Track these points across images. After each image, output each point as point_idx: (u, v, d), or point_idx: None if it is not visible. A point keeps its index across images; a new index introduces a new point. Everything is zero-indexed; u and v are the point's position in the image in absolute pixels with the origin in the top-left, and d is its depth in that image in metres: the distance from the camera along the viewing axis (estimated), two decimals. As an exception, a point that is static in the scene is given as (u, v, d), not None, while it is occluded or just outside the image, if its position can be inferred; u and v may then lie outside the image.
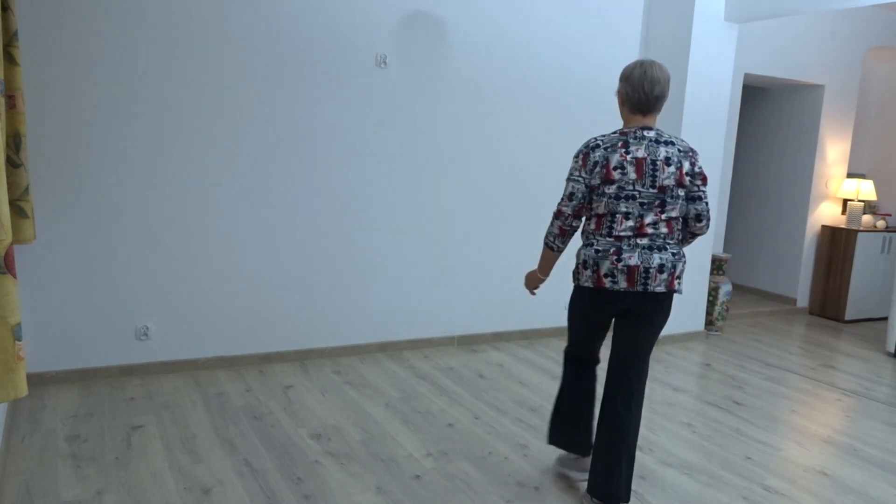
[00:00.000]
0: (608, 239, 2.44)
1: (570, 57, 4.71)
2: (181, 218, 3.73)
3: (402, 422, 3.33)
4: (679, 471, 2.98)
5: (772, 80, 5.96)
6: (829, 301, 6.17)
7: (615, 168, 2.41)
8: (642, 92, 2.44)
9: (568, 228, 2.52)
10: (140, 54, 3.51)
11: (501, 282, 4.75)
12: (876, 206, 6.58)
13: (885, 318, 6.37)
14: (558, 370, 4.25)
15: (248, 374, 3.87)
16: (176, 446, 2.94)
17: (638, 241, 2.42)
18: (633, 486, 2.81)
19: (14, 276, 1.69)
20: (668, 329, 4.98)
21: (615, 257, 2.41)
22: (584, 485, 2.78)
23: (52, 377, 3.56)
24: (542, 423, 3.41)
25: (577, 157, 2.50)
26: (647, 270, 2.40)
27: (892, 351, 5.05)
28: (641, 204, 2.41)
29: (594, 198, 2.47)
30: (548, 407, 3.63)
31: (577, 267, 2.54)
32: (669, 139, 2.46)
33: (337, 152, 4.07)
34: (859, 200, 6.19)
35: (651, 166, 2.41)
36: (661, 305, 2.48)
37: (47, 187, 3.42)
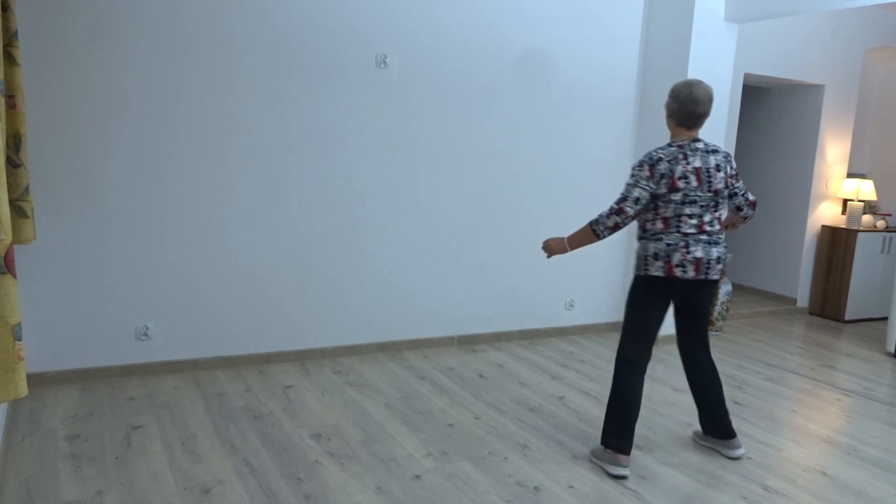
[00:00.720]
0: (677, 234, 2.84)
1: (570, 57, 4.71)
2: (181, 218, 3.73)
3: (402, 422, 3.33)
4: (679, 471, 2.98)
5: (772, 80, 5.96)
6: (829, 301, 6.17)
7: (680, 178, 2.81)
8: (686, 110, 2.85)
9: (622, 226, 2.88)
10: (139, 54, 3.51)
11: (501, 282, 4.75)
12: (876, 206, 6.58)
13: (885, 318, 6.37)
14: (558, 370, 4.25)
15: (248, 374, 3.87)
16: (176, 446, 2.94)
17: (699, 237, 2.85)
18: (633, 487, 2.81)
19: (14, 276, 1.69)
20: (669, 329, 4.98)
21: (685, 250, 2.83)
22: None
23: (52, 377, 3.56)
24: (543, 422, 3.42)
25: (641, 167, 2.86)
26: (708, 262, 2.86)
27: (892, 351, 5.05)
28: (701, 206, 2.85)
29: (660, 203, 2.85)
30: (548, 407, 3.63)
31: (644, 259, 2.90)
32: (714, 148, 2.92)
33: (337, 152, 4.07)
34: (859, 200, 6.19)
35: (707, 174, 2.84)
36: (713, 290, 3.00)
37: (47, 187, 3.42)
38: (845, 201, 6.34)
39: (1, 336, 1.67)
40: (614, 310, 5.27)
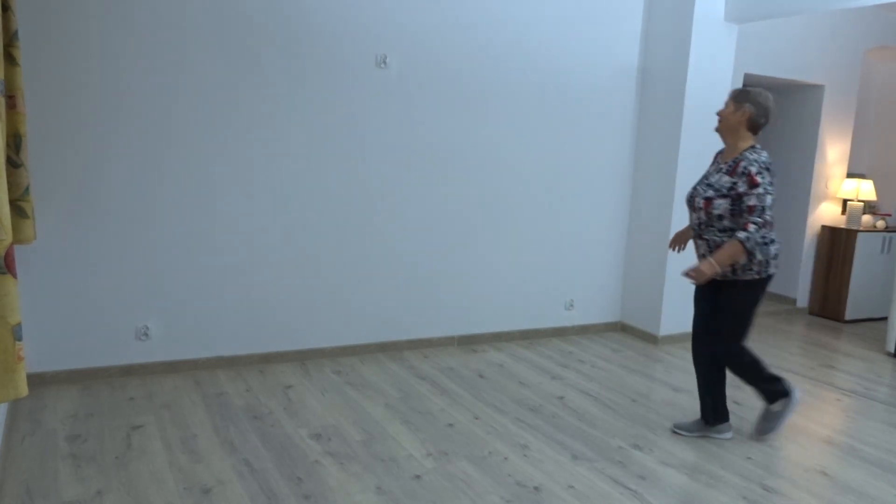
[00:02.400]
0: (773, 234, 3.05)
1: (571, 57, 4.71)
2: (181, 218, 3.73)
3: (402, 422, 3.33)
4: (679, 471, 2.98)
5: (772, 80, 5.96)
6: (829, 301, 6.17)
7: (772, 183, 3.02)
8: (766, 119, 3.05)
9: (769, 238, 3.05)
10: (140, 54, 3.51)
11: (501, 282, 4.75)
12: (876, 206, 6.57)
13: (885, 318, 6.36)
14: (558, 370, 4.25)
15: (248, 374, 3.87)
16: (176, 446, 2.94)
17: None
18: (633, 487, 2.81)
19: (14, 276, 1.69)
20: (668, 329, 4.98)
21: (777, 246, 3.10)
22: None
23: (52, 377, 3.56)
24: (543, 423, 3.42)
25: (763, 173, 2.96)
26: (776, 256, 3.11)
27: (892, 351, 5.05)
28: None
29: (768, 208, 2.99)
30: (548, 407, 3.63)
31: (761, 262, 3.04)
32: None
33: (337, 152, 4.07)
34: (859, 200, 6.19)
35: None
36: None
37: (47, 187, 3.42)
38: (845, 201, 6.34)
39: (1, 336, 1.67)
40: (614, 310, 5.27)
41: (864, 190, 6.11)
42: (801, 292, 6.32)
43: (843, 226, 6.17)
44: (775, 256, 3.09)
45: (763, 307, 6.16)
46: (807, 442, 3.37)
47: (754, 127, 3.05)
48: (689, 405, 3.79)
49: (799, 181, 6.24)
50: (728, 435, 3.35)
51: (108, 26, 3.43)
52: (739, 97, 3.04)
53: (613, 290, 5.24)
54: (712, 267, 2.97)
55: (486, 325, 4.76)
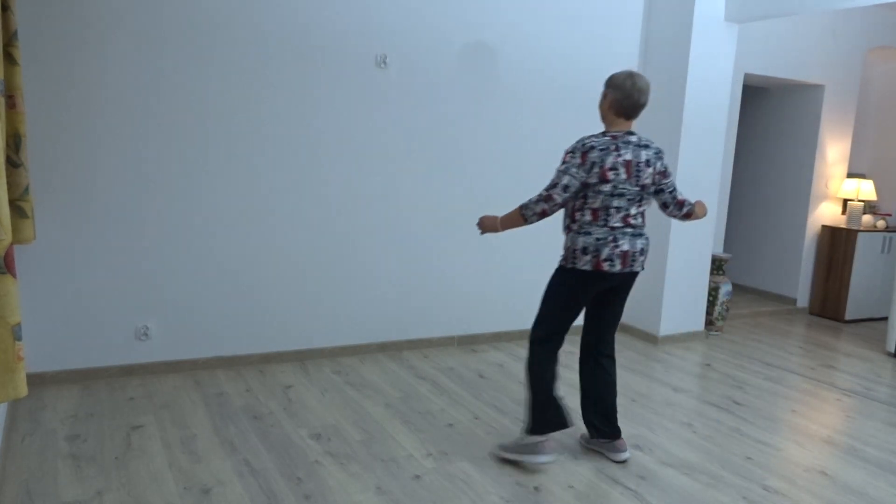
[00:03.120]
0: (605, 229, 2.81)
1: (571, 57, 4.71)
2: (182, 218, 3.73)
3: (402, 422, 3.33)
4: (679, 471, 2.98)
5: (772, 80, 5.96)
6: (829, 301, 6.17)
7: (610, 169, 2.76)
8: (632, 100, 2.80)
9: (549, 213, 2.83)
10: (139, 54, 3.51)
11: (501, 282, 4.75)
12: (876, 206, 6.58)
13: (885, 318, 6.37)
14: (558, 370, 4.24)
15: (248, 374, 3.87)
16: (176, 446, 2.94)
17: (626, 230, 2.84)
18: (633, 487, 2.81)
19: (14, 276, 1.69)
20: (668, 329, 4.98)
21: (613, 244, 2.81)
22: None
23: (52, 377, 3.56)
24: (542, 423, 3.41)
25: (573, 153, 2.79)
26: (633, 254, 2.85)
27: (892, 351, 5.05)
28: (628, 199, 2.82)
29: (589, 194, 2.80)
30: (548, 407, 3.63)
31: (572, 253, 2.85)
32: (646, 142, 2.87)
33: (336, 152, 4.07)
34: (859, 200, 6.19)
35: (636, 168, 2.81)
36: (633, 281, 2.99)
37: (47, 187, 3.42)
38: (845, 201, 6.34)
39: (1, 336, 1.67)
40: (614, 310, 5.27)
41: (865, 190, 6.11)
42: (801, 292, 6.32)
43: (843, 226, 6.17)
44: (584, 250, 2.80)
45: (763, 307, 6.16)
46: (807, 442, 3.37)
47: (620, 110, 2.82)
48: (690, 405, 3.79)
49: (799, 181, 6.25)
50: (623, 455, 3.05)
51: (108, 26, 3.42)
52: (606, 83, 2.88)
53: (613, 290, 5.23)
54: (493, 221, 2.98)
55: (486, 325, 4.76)
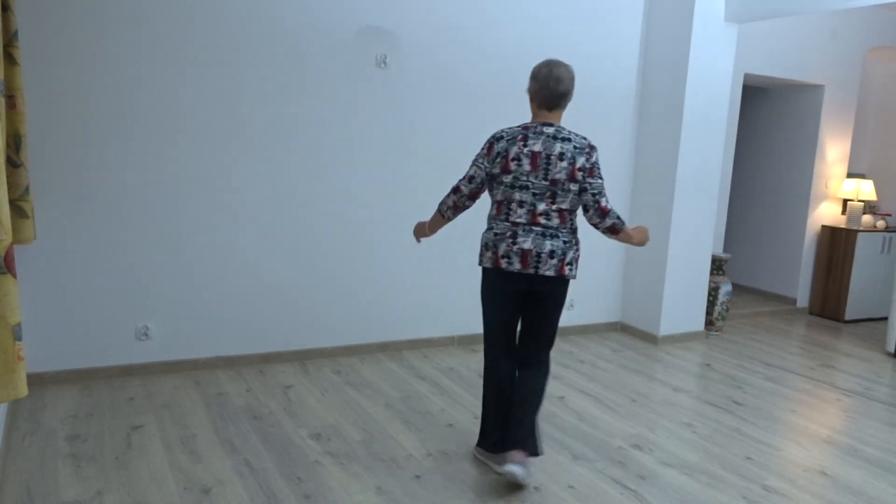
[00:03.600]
0: (506, 223, 2.69)
1: (571, 57, 4.71)
2: (182, 218, 3.73)
3: (402, 422, 3.33)
4: (679, 471, 2.98)
5: (772, 80, 5.96)
6: (829, 301, 6.17)
7: (513, 159, 2.65)
8: (548, 89, 2.67)
9: (461, 205, 2.81)
10: (139, 54, 3.51)
11: (501, 282, 4.74)
12: (876, 206, 6.58)
13: (885, 318, 6.37)
14: (558, 370, 4.25)
15: (248, 374, 3.87)
16: (176, 446, 2.94)
17: (532, 227, 2.66)
18: (633, 487, 2.81)
19: (14, 276, 1.69)
20: (668, 329, 4.98)
21: (511, 240, 2.66)
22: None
23: (52, 377, 3.56)
24: (543, 422, 3.41)
25: (484, 145, 2.76)
26: (538, 255, 2.65)
27: (892, 351, 5.05)
28: (534, 194, 2.66)
29: (494, 185, 2.72)
30: (548, 407, 3.63)
31: (480, 250, 2.77)
32: (567, 136, 2.69)
33: (336, 152, 4.07)
34: (859, 200, 6.19)
35: (545, 160, 2.64)
36: (552, 288, 2.73)
37: (47, 187, 3.42)
38: (845, 201, 6.34)
39: (1, 336, 1.67)
40: (614, 310, 5.27)
41: (864, 190, 6.11)
42: (801, 292, 6.32)
43: (843, 226, 6.17)
44: (486, 245, 2.71)
45: (763, 307, 6.16)
46: (807, 442, 3.37)
47: (541, 101, 2.69)
48: (690, 405, 3.79)
49: (799, 181, 6.25)
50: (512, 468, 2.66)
51: (108, 26, 3.42)
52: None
53: (613, 290, 5.24)
54: (422, 226, 2.96)
55: (486, 325, 4.75)
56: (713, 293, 5.30)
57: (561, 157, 2.64)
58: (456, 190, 2.78)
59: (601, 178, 2.73)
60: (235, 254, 3.89)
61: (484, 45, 4.39)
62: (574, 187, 2.67)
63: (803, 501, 2.77)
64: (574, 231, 2.76)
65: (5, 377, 1.69)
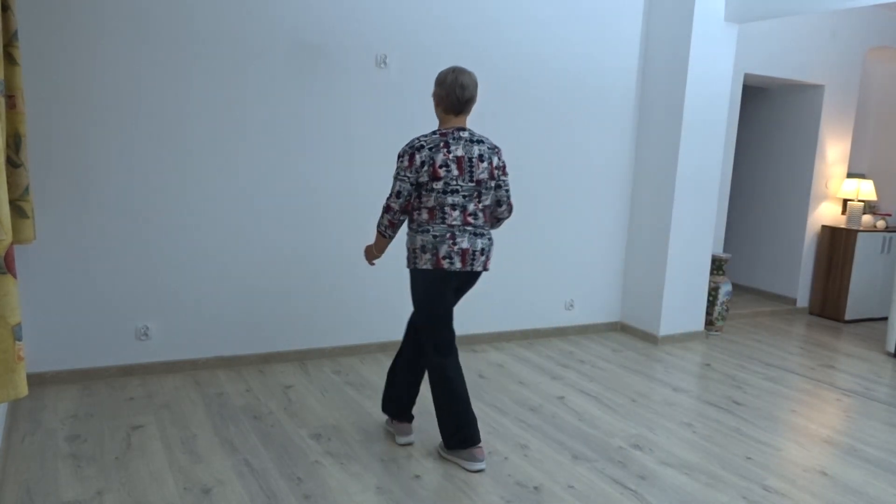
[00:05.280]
0: (442, 226, 2.81)
1: (571, 57, 4.71)
2: (181, 218, 3.73)
3: (402, 422, 3.33)
4: (679, 471, 2.98)
5: (772, 80, 5.96)
6: (829, 301, 6.17)
7: (441, 166, 2.77)
8: (455, 96, 2.80)
9: (397, 222, 2.90)
10: (140, 55, 3.51)
11: (501, 282, 4.75)
12: (876, 206, 6.58)
13: (885, 318, 6.37)
14: (558, 370, 4.25)
15: (248, 374, 3.87)
16: (176, 446, 2.94)
17: (465, 228, 2.84)
18: (633, 487, 2.81)
19: (14, 276, 1.69)
20: (668, 329, 4.98)
21: (451, 241, 2.81)
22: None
23: (52, 377, 3.56)
24: (543, 423, 3.42)
25: (402, 157, 2.81)
26: (473, 253, 2.85)
27: (892, 351, 5.05)
28: (464, 196, 2.82)
29: (423, 193, 2.81)
30: (548, 407, 3.63)
31: (413, 253, 2.86)
32: (480, 138, 2.88)
33: (336, 152, 4.07)
34: (859, 200, 6.19)
35: (469, 163, 2.80)
36: (475, 281, 2.97)
37: (47, 187, 3.42)
38: (845, 201, 6.34)
39: (1, 336, 1.67)
40: (614, 310, 5.27)
41: (864, 190, 6.11)
42: (801, 292, 6.32)
43: (843, 226, 6.17)
44: (423, 248, 2.80)
45: (763, 307, 6.16)
46: (807, 442, 3.37)
47: (447, 106, 2.82)
48: (690, 405, 3.79)
49: (799, 181, 6.25)
50: (403, 440, 3.06)
51: (108, 26, 3.42)
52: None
53: (613, 290, 5.24)
54: (370, 249, 3.04)
55: (486, 325, 4.76)
56: (713, 293, 5.30)
57: (480, 158, 2.83)
58: (388, 209, 2.86)
59: (507, 174, 2.99)
60: (235, 254, 3.89)
61: (484, 46, 4.40)
62: (493, 185, 2.89)
63: (803, 501, 2.77)
64: (490, 227, 2.99)
65: (5, 377, 1.69)
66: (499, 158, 2.91)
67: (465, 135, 2.83)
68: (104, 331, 3.65)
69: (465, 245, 2.81)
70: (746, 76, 5.74)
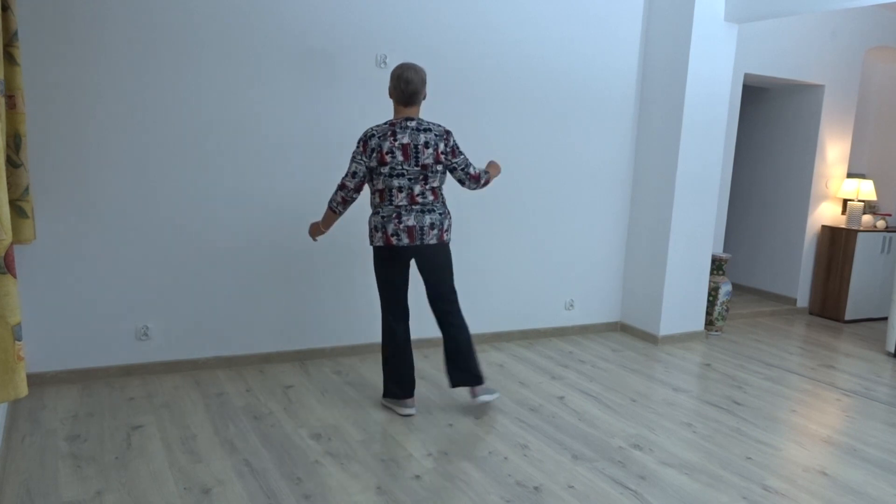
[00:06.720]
0: (390, 207, 3.17)
1: (571, 57, 4.71)
2: (181, 218, 3.73)
3: (402, 422, 3.33)
4: (679, 471, 2.98)
5: (772, 80, 5.96)
6: (829, 301, 6.17)
7: (387, 153, 3.12)
8: (400, 90, 3.15)
9: (349, 199, 3.26)
10: (140, 55, 3.51)
11: (502, 282, 4.75)
12: (876, 206, 6.58)
13: (885, 318, 6.37)
14: (558, 370, 4.25)
15: (248, 374, 3.87)
16: (176, 446, 2.94)
17: (412, 207, 3.17)
18: (633, 487, 2.81)
19: (14, 276, 1.69)
20: (668, 329, 4.98)
21: (397, 220, 3.16)
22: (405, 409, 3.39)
23: (52, 377, 3.56)
24: (543, 423, 3.42)
25: (358, 143, 3.19)
26: (421, 228, 3.18)
27: (892, 351, 5.05)
28: (409, 179, 3.15)
29: (374, 177, 3.17)
30: (548, 407, 3.63)
31: (370, 232, 3.24)
32: (428, 127, 3.19)
33: (336, 152, 4.07)
34: (859, 200, 6.19)
35: (414, 150, 3.13)
36: (436, 252, 3.25)
37: (47, 187, 3.42)
38: (845, 201, 6.34)
39: (1, 336, 1.67)
40: (614, 310, 5.28)
41: (864, 190, 6.11)
42: (801, 292, 6.32)
43: (843, 226, 6.17)
44: (375, 228, 3.20)
45: (763, 307, 6.16)
46: (807, 442, 3.37)
47: (396, 98, 3.18)
48: (690, 405, 3.79)
49: (799, 181, 6.25)
50: (485, 398, 3.38)
51: (108, 26, 3.43)
52: None
53: (613, 290, 5.24)
54: (316, 225, 3.40)
55: (486, 325, 4.76)
56: (713, 293, 5.30)
57: (426, 145, 3.15)
58: (342, 187, 3.23)
59: (462, 153, 3.29)
60: (235, 254, 3.89)
61: (483, 46, 4.40)
62: (440, 168, 3.20)
63: (803, 501, 2.77)
64: (444, 203, 3.29)
65: (5, 377, 1.69)
66: (445, 144, 3.20)
67: (413, 124, 3.16)
68: (104, 331, 3.65)
69: (410, 223, 3.15)
70: (746, 76, 5.74)
